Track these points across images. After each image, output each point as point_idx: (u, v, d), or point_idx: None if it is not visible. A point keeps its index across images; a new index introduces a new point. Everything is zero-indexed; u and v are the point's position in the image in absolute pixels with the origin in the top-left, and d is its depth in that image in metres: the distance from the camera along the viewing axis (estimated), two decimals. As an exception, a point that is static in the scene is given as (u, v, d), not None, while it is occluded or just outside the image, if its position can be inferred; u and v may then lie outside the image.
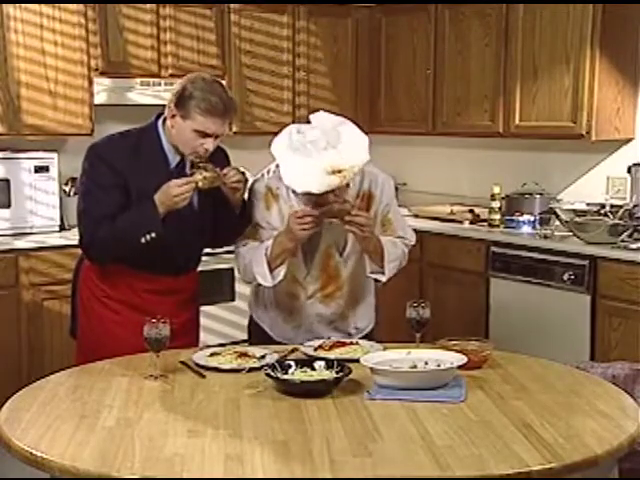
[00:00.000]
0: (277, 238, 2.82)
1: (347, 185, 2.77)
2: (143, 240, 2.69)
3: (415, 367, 2.39)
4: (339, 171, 2.62)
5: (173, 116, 2.72)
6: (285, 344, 2.91)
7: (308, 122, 2.79)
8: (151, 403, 2.27)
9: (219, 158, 2.87)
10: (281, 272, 2.83)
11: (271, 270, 2.81)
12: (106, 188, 2.73)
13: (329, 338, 2.78)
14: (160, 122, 2.81)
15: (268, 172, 2.95)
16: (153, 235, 2.69)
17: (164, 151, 2.79)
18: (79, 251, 2.93)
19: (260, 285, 2.92)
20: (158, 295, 2.85)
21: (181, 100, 2.69)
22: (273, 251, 2.81)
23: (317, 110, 2.87)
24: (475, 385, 2.39)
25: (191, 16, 4.95)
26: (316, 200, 2.73)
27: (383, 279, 2.93)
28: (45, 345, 4.37)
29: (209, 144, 2.72)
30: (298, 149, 2.67)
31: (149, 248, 2.72)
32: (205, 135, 2.70)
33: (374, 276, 2.93)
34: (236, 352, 2.63)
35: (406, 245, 3.02)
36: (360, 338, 2.95)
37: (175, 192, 2.67)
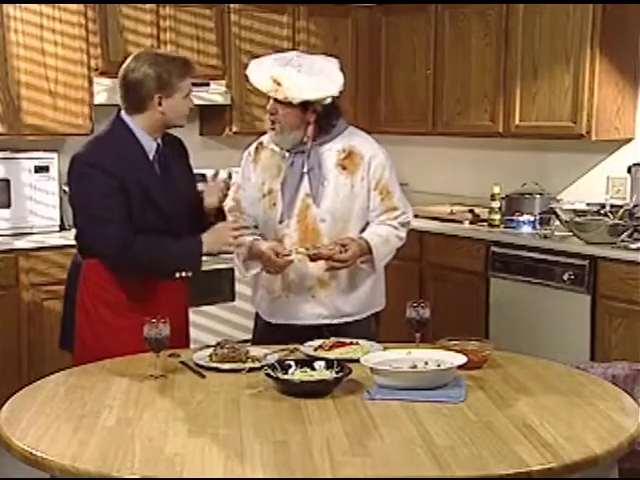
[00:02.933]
0: (253, 249, 2.98)
1: (325, 132, 2.95)
2: (177, 275, 2.83)
3: (415, 367, 2.38)
4: (278, 83, 2.85)
5: (160, 103, 2.76)
6: (270, 323, 3.04)
7: None
8: (151, 403, 2.27)
9: (176, 147, 2.97)
10: (257, 268, 3.02)
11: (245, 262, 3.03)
12: (109, 194, 2.71)
13: (329, 338, 2.78)
14: (124, 115, 2.82)
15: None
16: (189, 274, 2.83)
17: (140, 143, 2.82)
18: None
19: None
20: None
21: (153, 83, 2.74)
22: (248, 256, 3.01)
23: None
24: (475, 385, 2.39)
25: (191, 16, 4.95)
26: (270, 114, 2.92)
27: (374, 272, 3.04)
28: (45, 345, 4.36)
29: (192, 98, 2.86)
30: (277, 55, 2.99)
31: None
32: (190, 94, 2.83)
33: (364, 267, 3.01)
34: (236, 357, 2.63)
35: (403, 225, 3.08)
36: (349, 323, 3.01)
37: (229, 239, 2.80)
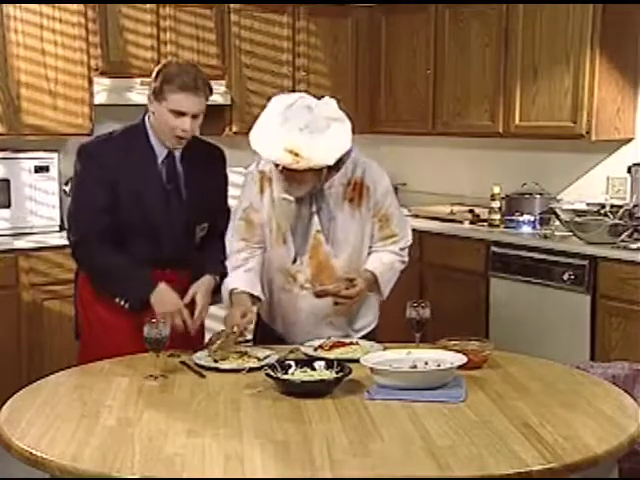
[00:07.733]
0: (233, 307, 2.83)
1: (337, 170, 2.79)
2: (117, 300, 2.76)
3: (415, 367, 2.39)
4: (296, 154, 2.62)
5: (152, 103, 2.77)
6: (289, 343, 2.92)
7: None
8: (151, 403, 2.28)
9: (214, 157, 2.98)
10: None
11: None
12: (96, 185, 2.76)
13: (329, 338, 2.78)
14: (147, 117, 2.84)
15: None
16: (127, 305, 2.75)
17: (151, 146, 2.82)
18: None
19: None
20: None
21: (157, 85, 2.73)
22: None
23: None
24: (475, 385, 2.39)
25: (191, 16, 4.95)
26: (286, 173, 2.72)
27: (382, 298, 3.01)
28: (45, 345, 4.37)
29: (186, 124, 2.72)
30: (278, 116, 2.66)
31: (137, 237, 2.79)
32: (181, 114, 2.70)
33: (371, 294, 2.98)
34: (237, 352, 2.63)
35: (403, 249, 3.01)
36: (360, 338, 2.94)
37: (166, 309, 2.69)
